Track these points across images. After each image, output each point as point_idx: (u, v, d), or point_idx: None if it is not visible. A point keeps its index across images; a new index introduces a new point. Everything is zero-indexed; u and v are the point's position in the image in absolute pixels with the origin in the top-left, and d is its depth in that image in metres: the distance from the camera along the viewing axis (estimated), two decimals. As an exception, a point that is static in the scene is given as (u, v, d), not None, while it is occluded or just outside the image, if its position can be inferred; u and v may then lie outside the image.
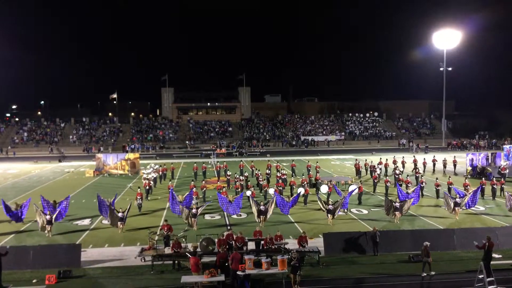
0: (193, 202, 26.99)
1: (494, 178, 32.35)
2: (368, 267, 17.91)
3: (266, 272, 16.01)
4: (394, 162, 42.22)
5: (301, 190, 29.19)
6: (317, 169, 38.77)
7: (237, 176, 34.69)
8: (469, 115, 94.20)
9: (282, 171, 36.66)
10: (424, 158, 43.63)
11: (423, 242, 17.10)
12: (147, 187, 32.07)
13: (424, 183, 31.11)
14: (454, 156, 44.47)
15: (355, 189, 28.99)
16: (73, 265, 17.83)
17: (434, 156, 45.23)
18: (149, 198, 31.27)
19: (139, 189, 29.34)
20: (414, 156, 45.42)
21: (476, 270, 15.46)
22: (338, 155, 60.48)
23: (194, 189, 29.05)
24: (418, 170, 37.36)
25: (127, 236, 22.16)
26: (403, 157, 44.60)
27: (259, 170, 37.22)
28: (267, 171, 37.44)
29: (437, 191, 30.16)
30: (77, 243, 20.37)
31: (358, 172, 40.43)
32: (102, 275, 17.29)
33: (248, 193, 28.50)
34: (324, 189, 30.74)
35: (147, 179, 34.43)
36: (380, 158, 43.78)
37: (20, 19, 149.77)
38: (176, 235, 20.10)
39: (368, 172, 37.10)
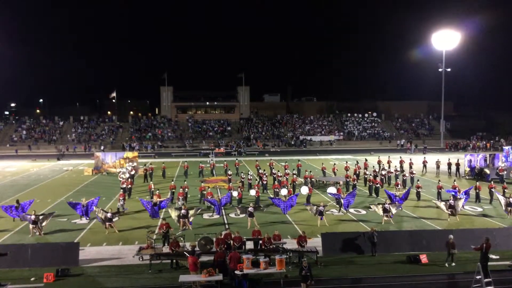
0: (179, 203, 26.91)
1: (492, 182, 32.41)
2: (366, 267, 17.95)
3: (264, 271, 16.05)
4: (379, 162, 42.26)
5: (305, 190, 29.39)
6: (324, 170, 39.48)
7: (244, 176, 34.84)
8: (468, 116, 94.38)
9: (293, 171, 36.98)
10: (410, 159, 43.28)
11: (449, 235, 18.35)
12: (129, 186, 31.82)
13: (399, 185, 31.27)
14: (449, 158, 43.94)
15: (353, 192, 28.95)
16: (71, 263, 17.85)
17: (424, 157, 44.98)
18: (131, 197, 31.02)
19: (122, 190, 29.03)
20: (400, 157, 44.83)
21: (474, 271, 15.52)
22: (337, 155, 60.53)
23: (181, 190, 28.34)
24: (404, 172, 36.77)
25: (125, 235, 22.16)
26: (389, 156, 44.47)
27: (264, 170, 37.27)
28: (273, 171, 37.66)
29: (418, 193, 30.09)
30: (75, 241, 20.38)
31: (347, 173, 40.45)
32: (100, 273, 17.31)
33: (252, 192, 28.70)
34: (304, 190, 30.03)
35: (129, 178, 34.21)
36: (366, 160, 43.76)
37: (20, 16, 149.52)
38: (174, 234, 20.12)
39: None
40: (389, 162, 42.44)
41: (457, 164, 41.06)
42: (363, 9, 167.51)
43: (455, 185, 29.78)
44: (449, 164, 41.84)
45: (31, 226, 22.12)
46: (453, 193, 27.27)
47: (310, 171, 35.85)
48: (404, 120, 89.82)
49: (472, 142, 73.45)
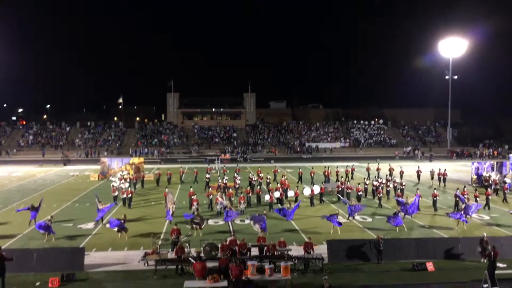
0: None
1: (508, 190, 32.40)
2: (372, 275, 17.83)
3: (269, 278, 15.98)
4: (368, 169, 41.86)
5: (308, 191, 31.05)
6: (312, 174, 40.36)
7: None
8: (475, 124, 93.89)
9: (267, 175, 37.91)
10: (401, 167, 42.71)
11: (482, 233, 19.45)
12: (130, 195, 30.82)
13: (381, 194, 31.04)
14: (439, 168, 42.06)
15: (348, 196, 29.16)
16: (76, 268, 17.85)
17: (418, 166, 44.10)
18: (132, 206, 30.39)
19: (114, 199, 28.77)
20: (389, 165, 44.40)
21: (481, 279, 15.38)
22: (343, 162, 60.15)
23: (194, 196, 28.14)
24: (388, 182, 34.36)
25: (130, 241, 22.17)
26: (378, 163, 44.30)
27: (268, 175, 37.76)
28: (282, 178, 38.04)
29: (398, 202, 29.13)
30: (80, 246, 20.42)
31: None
32: (105, 279, 17.32)
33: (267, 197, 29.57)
34: (306, 191, 31.18)
35: (129, 187, 33.79)
36: (352, 165, 44.00)
37: (26, 23, 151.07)
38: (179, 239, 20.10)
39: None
40: (378, 169, 42.06)
41: (444, 174, 40.16)
42: (369, 16, 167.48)
43: (435, 193, 29.83)
44: (439, 174, 40.25)
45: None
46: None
47: (283, 176, 36.93)
48: (410, 127, 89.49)
49: (481, 149, 72.99)
